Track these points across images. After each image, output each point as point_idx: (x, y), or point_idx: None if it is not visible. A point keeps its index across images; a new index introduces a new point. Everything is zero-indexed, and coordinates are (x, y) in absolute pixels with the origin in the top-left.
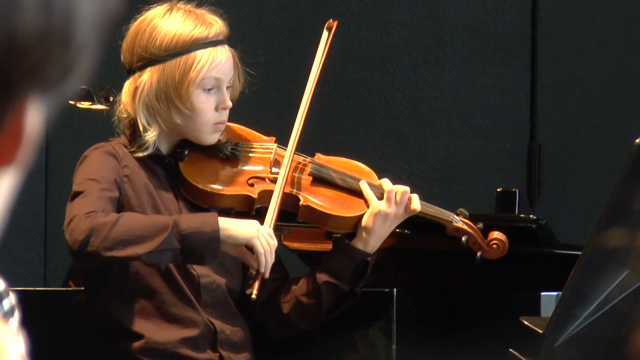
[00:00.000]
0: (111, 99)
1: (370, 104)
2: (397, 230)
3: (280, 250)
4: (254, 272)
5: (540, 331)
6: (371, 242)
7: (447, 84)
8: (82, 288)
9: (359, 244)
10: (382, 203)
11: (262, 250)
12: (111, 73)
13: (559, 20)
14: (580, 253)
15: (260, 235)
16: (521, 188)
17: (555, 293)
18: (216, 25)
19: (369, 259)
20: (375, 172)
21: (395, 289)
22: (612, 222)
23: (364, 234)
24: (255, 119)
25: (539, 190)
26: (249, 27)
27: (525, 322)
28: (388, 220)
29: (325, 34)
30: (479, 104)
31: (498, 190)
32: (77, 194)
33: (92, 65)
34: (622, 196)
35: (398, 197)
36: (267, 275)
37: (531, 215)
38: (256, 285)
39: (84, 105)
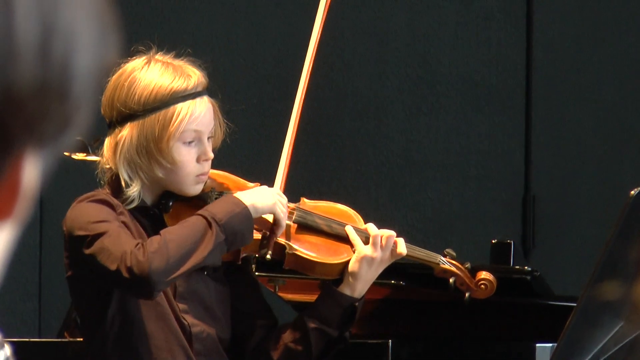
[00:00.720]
0: None
1: (364, 153)
2: (392, 281)
3: (275, 301)
4: (268, 233)
5: None
6: (358, 287)
7: (441, 134)
8: (78, 339)
9: (346, 290)
10: (368, 248)
11: (282, 215)
12: (105, 124)
13: (553, 70)
14: (574, 304)
15: (279, 201)
16: (516, 238)
17: (550, 344)
18: (194, 77)
19: (357, 304)
20: (368, 221)
21: (390, 340)
22: (607, 274)
23: (350, 279)
24: (243, 165)
25: (534, 241)
26: (242, 76)
27: None
28: (374, 265)
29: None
30: (473, 154)
31: (493, 241)
32: (96, 237)
33: (89, 118)
34: (617, 247)
35: (384, 242)
36: (281, 233)
37: (526, 267)
38: (272, 244)
39: (79, 156)
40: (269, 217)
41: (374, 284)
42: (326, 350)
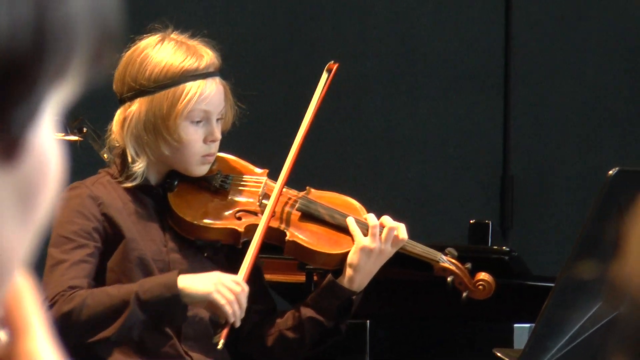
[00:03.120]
0: (85, 130)
1: (343, 133)
2: None
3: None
4: (223, 321)
5: None
6: (357, 280)
7: (421, 114)
8: None
9: (344, 281)
10: (367, 239)
11: (222, 302)
12: (84, 104)
13: (532, 50)
14: (552, 285)
15: (219, 289)
16: (494, 219)
17: (528, 325)
18: (207, 57)
19: (354, 297)
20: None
21: (368, 320)
22: (585, 254)
23: (349, 270)
24: (251, 150)
25: (512, 221)
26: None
27: (498, 354)
28: (373, 256)
29: (324, 75)
30: (452, 134)
31: (471, 222)
32: (51, 256)
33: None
34: (595, 227)
35: (384, 233)
36: (237, 324)
37: (504, 247)
38: (224, 333)
39: (57, 136)
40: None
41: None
42: (320, 341)
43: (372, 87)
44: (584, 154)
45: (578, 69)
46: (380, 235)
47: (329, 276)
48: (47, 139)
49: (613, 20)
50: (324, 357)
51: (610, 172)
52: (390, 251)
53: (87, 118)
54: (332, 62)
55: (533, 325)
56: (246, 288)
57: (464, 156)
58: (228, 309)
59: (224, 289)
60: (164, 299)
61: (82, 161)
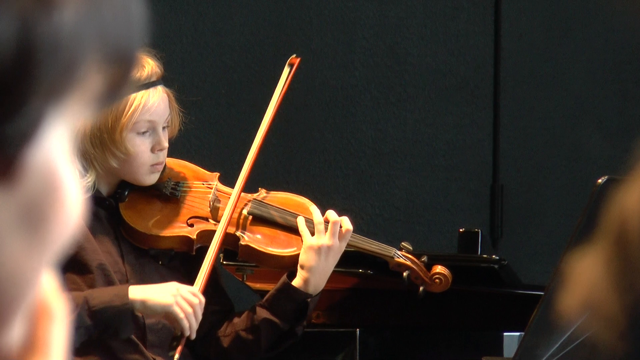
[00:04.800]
0: None
1: (332, 144)
2: (360, 270)
3: (243, 291)
4: (179, 334)
5: None
6: (311, 280)
7: (410, 124)
8: None
9: (298, 283)
10: (313, 237)
11: (181, 316)
12: None
13: (521, 61)
14: (542, 293)
15: (178, 300)
16: (484, 228)
17: (517, 333)
18: (148, 67)
19: (310, 300)
20: (337, 212)
21: (358, 329)
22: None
23: (301, 272)
24: (209, 155)
25: (502, 230)
26: (212, 66)
27: None
28: (322, 254)
29: (286, 69)
30: (442, 144)
31: (460, 230)
32: None
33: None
34: (584, 236)
35: (329, 228)
36: (193, 336)
37: (493, 256)
38: (179, 349)
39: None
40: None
41: (341, 274)
42: (277, 343)
43: (361, 97)
44: (572, 163)
45: (567, 79)
46: (325, 231)
47: (283, 277)
48: (53, 159)
49: (601, 32)
50: None
51: (600, 180)
52: (339, 246)
53: None
54: (294, 56)
55: (522, 333)
56: (203, 299)
57: (453, 165)
58: (185, 323)
59: (182, 301)
60: (112, 307)
61: None
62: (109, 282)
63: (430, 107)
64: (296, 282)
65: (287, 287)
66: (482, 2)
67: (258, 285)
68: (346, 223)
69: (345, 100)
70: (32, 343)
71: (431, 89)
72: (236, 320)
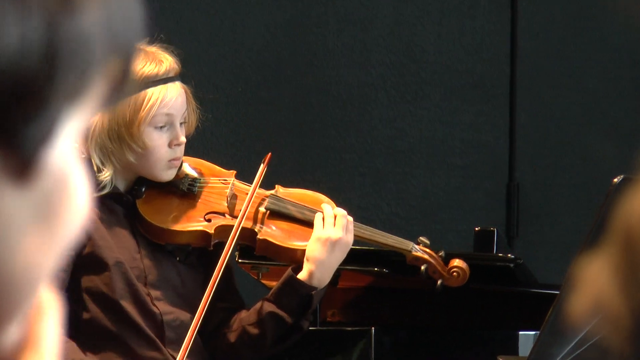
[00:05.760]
0: None
1: (348, 142)
2: (376, 269)
3: (258, 289)
4: None
5: None
6: (316, 273)
7: (426, 123)
8: None
9: (303, 275)
10: (322, 230)
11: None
12: None
13: (537, 59)
14: (557, 292)
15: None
16: (500, 227)
17: (533, 332)
18: (166, 62)
19: (314, 293)
20: (349, 210)
21: (373, 328)
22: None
23: (307, 263)
24: (225, 152)
25: (518, 229)
26: (229, 64)
27: None
28: (328, 246)
29: (261, 166)
30: (458, 143)
31: (476, 229)
32: None
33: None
34: (600, 236)
35: (338, 221)
36: None
37: (509, 255)
38: None
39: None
40: None
41: (357, 272)
42: (283, 337)
43: (376, 95)
44: (588, 162)
45: (583, 78)
46: (333, 222)
47: (288, 270)
48: (65, 159)
49: (617, 31)
50: None
51: (615, 179)
52: (346, 240)
53: None
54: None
55: (538, 332)
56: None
57: (469, 164)
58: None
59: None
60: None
61: None
62: (126, 279)
63: (446, 105)
64: (301, 275)
65: (292, 280)
66: (498, 0)
67: (273, 283)
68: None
69: (361, 99)
70: (24, 338)
71: (447, 88)
72: (243, 315)
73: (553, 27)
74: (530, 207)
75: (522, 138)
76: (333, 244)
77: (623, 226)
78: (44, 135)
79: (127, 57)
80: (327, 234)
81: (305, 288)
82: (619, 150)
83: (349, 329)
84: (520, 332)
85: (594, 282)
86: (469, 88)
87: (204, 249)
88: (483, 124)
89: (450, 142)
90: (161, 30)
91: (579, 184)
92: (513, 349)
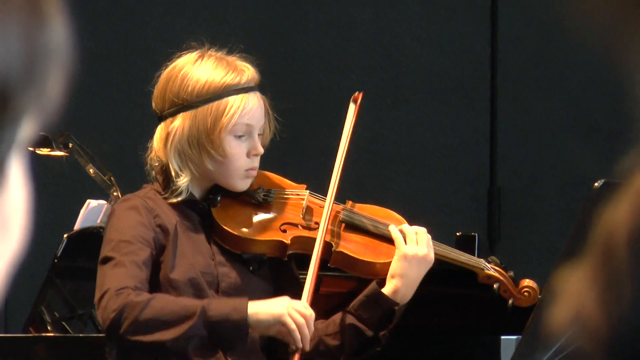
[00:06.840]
0: (70, 145)
1: (328, 146)
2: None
3: None
4: (294, 348)
5: None
6: (400, 289)
7: (406, 127)
8: (43, 334)
9: (388, 290)
10: (407, 247)
11: (293, 327)
12: (70, 119)
13: (518, 63)
14: (539, 296)
15: (290, 312)
16: (481, 231)
17: (515, 337)
18: (247, 72)
19: (397, 308)
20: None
21: None
22: (571, 266)
23: (392, 280)
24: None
25: (499, 233)
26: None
27: None
28: (414, 263)
29: (351, 105)
30: (438, 147)
31: (457, 234)
32: (108, 259)
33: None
34: (581, 239)
35: (419, 238)
36: (307, 348)
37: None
38: (295, 357)
39: (44, 151)
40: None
41: (340, 277)
42: (360, 349)
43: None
44: (569, 166)
45: (563, 82)
46: (417, 239)
47: (373, 284)
48: (16, 167)
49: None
50: None
51: (596, 184)
52: (431, 257)
53: (72, 133)
54: (357, 93)
55: (520, 337)
56: (313, 313)
57: (450, 168)
58: (297, 334)
59: (294, 312)
60: (230, 320)
61: (68, 176)
62: (196, 288)
63: (426, 109)
64: (386, 289)
65: (377, 294)
66: (478, 5)
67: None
68: (428, 235)
69: (342, 103)
70: None
71: (427, 92)
72: (319, 325)
73: (533, 30)
74: (512, 210)
75: (503, 142)
76: (419, 261)
77: (602, 235)
78: (11, 144)
79: (67, 69)
80: (413, 251)
81: (389, 303)
82: (600, 154)
83: None
84: (503, 337)
85: (573, 292)
86: (449, 92)
87: (275, 261)
88: (464, 128)
89: (431, 146)
90: (141, 34)
91: (560, 188)
92: (495, 354)
